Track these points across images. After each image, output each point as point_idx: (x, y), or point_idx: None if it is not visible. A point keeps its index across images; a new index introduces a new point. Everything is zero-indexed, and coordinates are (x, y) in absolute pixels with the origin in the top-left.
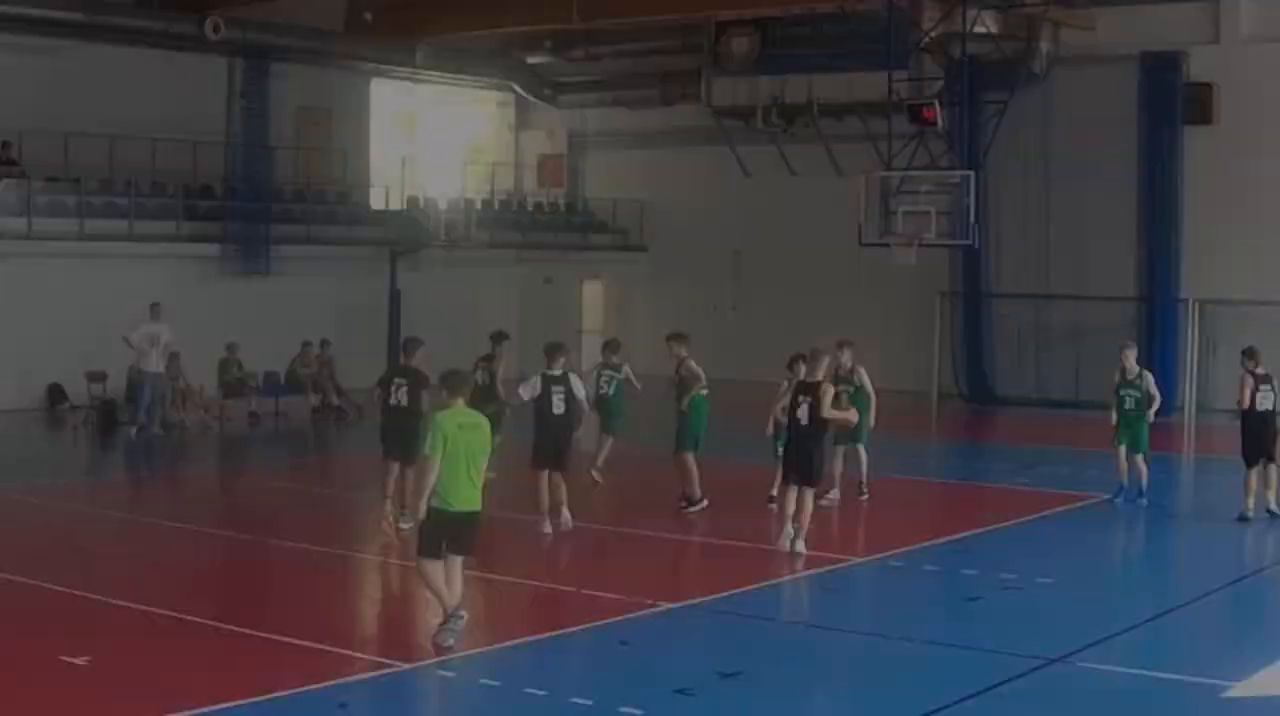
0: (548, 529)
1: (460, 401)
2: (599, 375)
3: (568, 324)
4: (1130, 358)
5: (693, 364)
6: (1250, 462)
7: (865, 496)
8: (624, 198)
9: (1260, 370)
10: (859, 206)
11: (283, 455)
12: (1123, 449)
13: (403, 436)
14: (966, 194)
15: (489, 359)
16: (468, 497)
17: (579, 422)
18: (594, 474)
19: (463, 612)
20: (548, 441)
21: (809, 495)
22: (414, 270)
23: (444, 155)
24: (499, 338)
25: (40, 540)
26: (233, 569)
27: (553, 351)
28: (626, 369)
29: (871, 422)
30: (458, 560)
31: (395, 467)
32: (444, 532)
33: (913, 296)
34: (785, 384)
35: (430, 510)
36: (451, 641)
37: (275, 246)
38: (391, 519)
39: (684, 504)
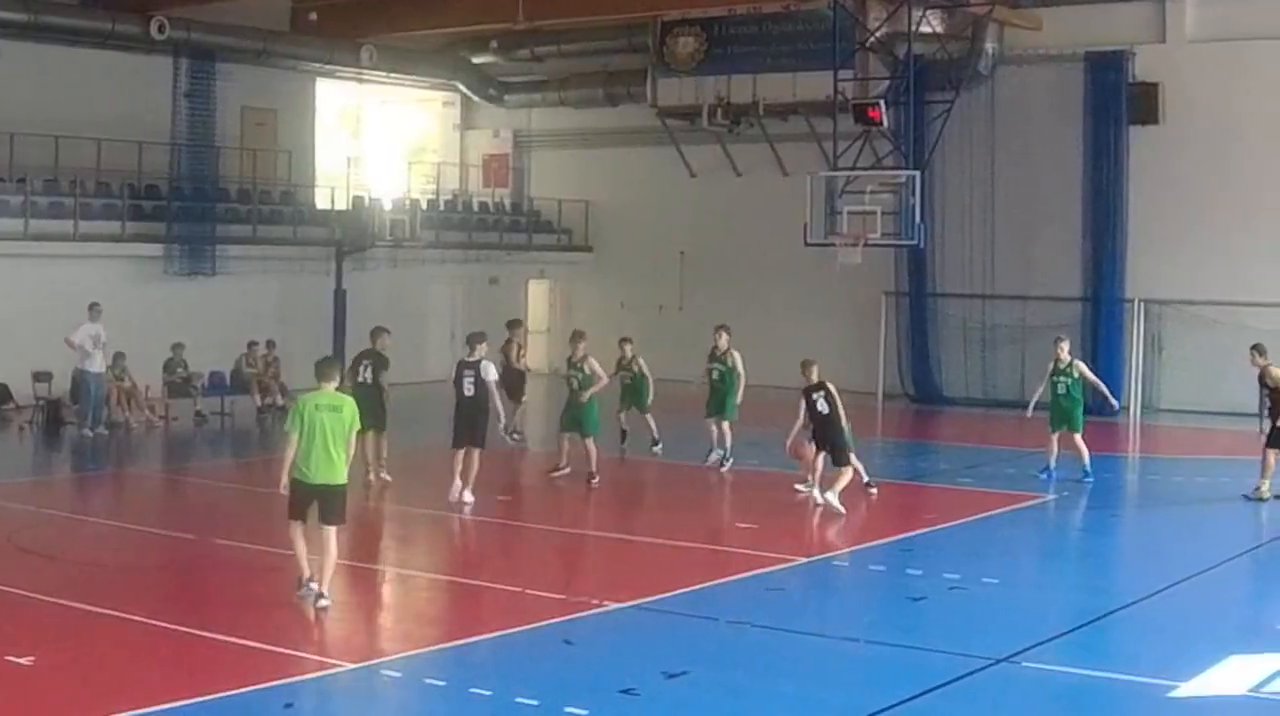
0: (455, 496)
1: (328, 386)
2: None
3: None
4: (1063, 349)
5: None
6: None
7: (728, 464)
8: (569, 198)
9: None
10: (804, 206)
11: (228, 455)
12: (1056, 436)
13: (370, 408)
14: (912, 194)
15: (507, 343)
16: (326, 472)
17: (492, 402)
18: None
19: (325, 592)
20: (461, 421)
21: (847, 471)
22: (359, 270)
23: (389, 155)
24: (513, 324)
25: None
26: (178, 569)
27: (472, 340)
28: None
29: (739, 399)
30: (331, 530)
31: (369, 435)
32: (307, 500)
33: (858, 296)
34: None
35: (292, 481)
36: (325, 602)
37: (220, 246)
38: (371, 476)
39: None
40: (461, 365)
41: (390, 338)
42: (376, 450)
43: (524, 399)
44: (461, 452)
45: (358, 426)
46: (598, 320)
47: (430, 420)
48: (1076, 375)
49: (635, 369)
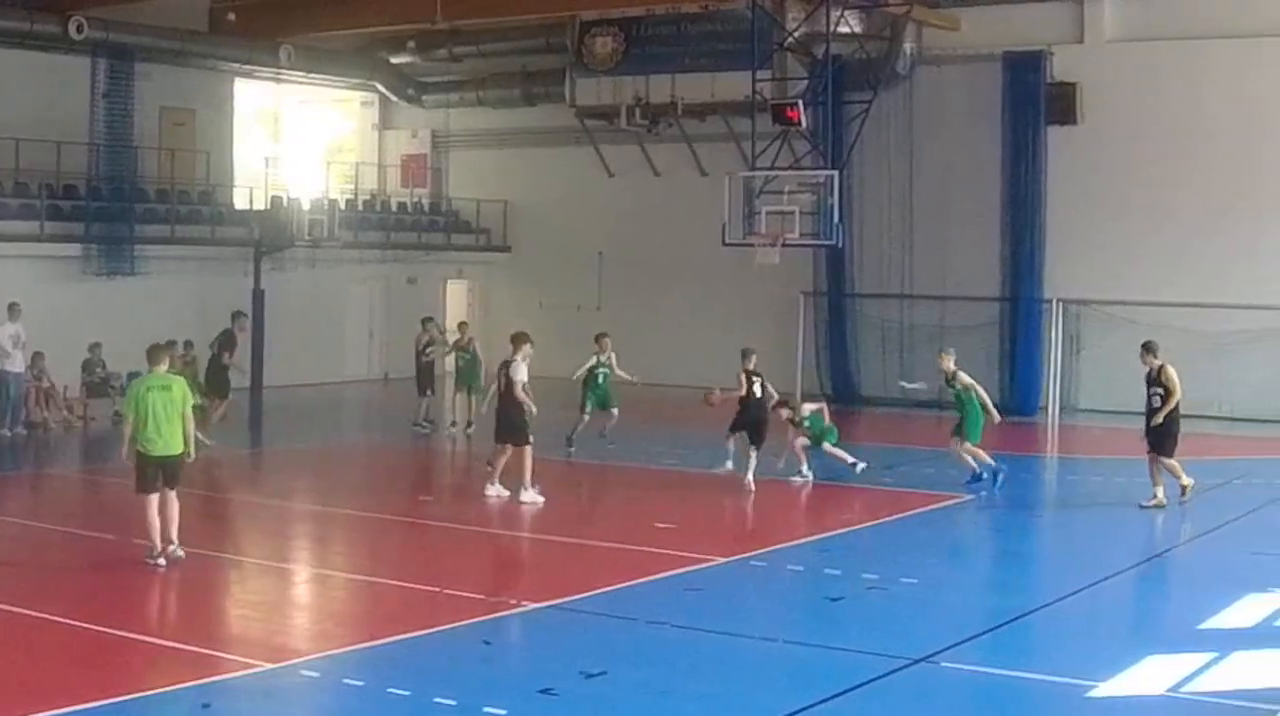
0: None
1: (159, 368)
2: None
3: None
4: (945, 360)
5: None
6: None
7: (573, 449)
8: (488, 198)
9: None
10: (723, 206)
11: None
12: (956, 441)
13: (214, 381)
14: (830, 194)
15: (418, 337)
16: (163, 444)
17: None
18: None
19: (174, 540)
20: (498, 419)
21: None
22: (278, 270)
23: (307, 155)
24: (427, 321)
25: None
26: (95, 569)
27: (513, 340)
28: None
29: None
30: (171, 493)
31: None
32: (154, 473)
33: (776, 296)
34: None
35: (137, 455)
36: (164, 563)
37: (139, 246)
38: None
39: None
40: (502, 364)
41: (247, 320)
42: (210, 414)
43: (430, 392)
44: (504, 449)
45: (190, 402)
46: (516, 320)
47: (344, 420)
48: (959, 387)
49: (471, 350)
